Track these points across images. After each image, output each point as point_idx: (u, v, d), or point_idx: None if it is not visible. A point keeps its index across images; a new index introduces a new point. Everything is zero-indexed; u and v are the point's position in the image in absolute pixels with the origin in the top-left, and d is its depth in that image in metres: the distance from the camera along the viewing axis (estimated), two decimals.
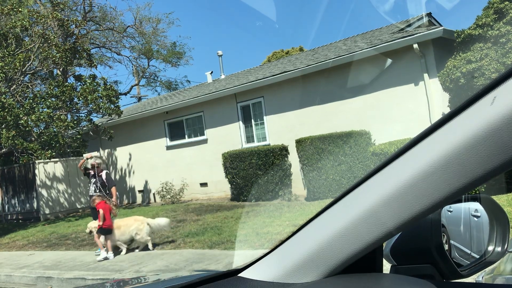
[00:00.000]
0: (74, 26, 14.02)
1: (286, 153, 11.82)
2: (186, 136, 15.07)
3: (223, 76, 18.78)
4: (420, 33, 9.55)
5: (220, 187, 14.01)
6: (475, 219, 1.18)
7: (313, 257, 0.90)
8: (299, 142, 10.62)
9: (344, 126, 10.73)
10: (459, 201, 1.16)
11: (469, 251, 1.19)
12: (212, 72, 18.96)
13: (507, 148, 0.62)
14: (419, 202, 0.74)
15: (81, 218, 14.04)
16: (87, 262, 7.76)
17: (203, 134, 14.55)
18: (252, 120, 13.24)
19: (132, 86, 32.95)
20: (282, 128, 12.44)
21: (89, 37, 24.29)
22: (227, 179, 12.57)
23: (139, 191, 16.87)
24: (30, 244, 10.92)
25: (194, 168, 14.75)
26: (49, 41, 13.55)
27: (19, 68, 13.28)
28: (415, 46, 9.50)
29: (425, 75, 9.72)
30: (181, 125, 15.18)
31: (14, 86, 13.44)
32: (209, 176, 14.37)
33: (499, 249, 1.13)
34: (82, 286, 6.66)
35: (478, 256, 1.15)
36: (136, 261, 7.28)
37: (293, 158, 11.69)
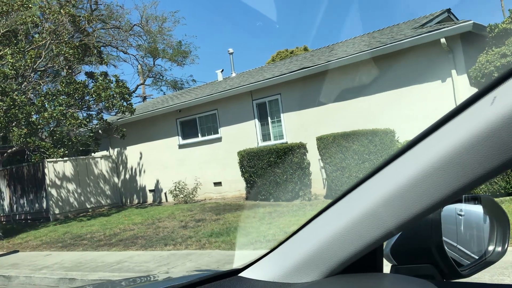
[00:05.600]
0: (85, 22, 13.76)
1: (304, 151, 11.57)
2: (199, 134, 14.80)
3: (234, 74, 18.53)
4: (448, 27, 9.27)
5: (234, 186, 13.74)
6: (460, 217, 1.18)
7: (314, 257, 0.90)
8: (320, 140, 10.35)
9: (364, 123, 10.44)
10: (460, 201, 1.16)
11: (455, 244, 1.18)
12: (222, 70, 18.73)
13: (507, 148, 0.62)
14: (419, 202, 0.74)
15: (93, 218, 13.78)
16: (110, 263, 7.50)
17: (217, 133, 14.28)
18: (269, 117, 12.97)
19: (138, 86, 32.70)
20: (300, 126, 12.16)
21: (95, 35, 24.04)
22: (243, 178, 12.30)
23: (150, 191, 16.60)
24: (44, 244, 10.66)
25: (207, 167, 14.48)
26: (61, 38, 13.29)
27: (30, 65, 13.01)
28: (443, 40, 9.22)
29: (453, 71, 9.44)
30: (194, 124, 14.92)
31: (25, 83, 13.17)
32: (223, 175, 14.10)
33: (499, 249, 1.13)
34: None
35: (477, 257, 1.15)
36: (162, 261, 7.01)
37: (311, 156, 11.44)
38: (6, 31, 13.78)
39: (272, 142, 12.75)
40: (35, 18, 13.67)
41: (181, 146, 15.32)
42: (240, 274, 1.06)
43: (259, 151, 11.57)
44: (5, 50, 13.03)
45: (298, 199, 11.14)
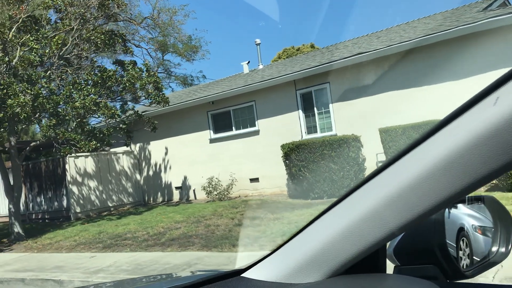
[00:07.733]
0: (115, 6, 12.83)
1: (358, 144, 10.76)
2: (233, 127, 13.92)
3: (261, 66, 17.67)
4: None
5: (273, 183, 12.89)
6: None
7: (316, 257, 0.89)
8: (385, 132, 9.52)
9: (429, 113, 9.65)
10: (463, 201, 1.14)
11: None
12: (249, 62, 17.90)
13: (510, 148, 0.61)
14: (422, 203, 0.73)
15: (123, 216, 12.85)
16: (178, 265, 6.62)
17: (254, 125, 13.41)
18: (315, 108, 12.12)
19: None
20: (351, 117, 11.31)
21: (107, 28, 23.06)
22: (288, 172, 11.42)
23: (177, 188, 15.67)
24: (80, 245, 9.73)
25: (242, 162, 13.60)
26: (88, 23, 12.35)
27: (55, 52, 12.05)
28: None
29: None
30: (228, 116, 14.02)
31: (50, 71, 12.20)
32: (260, 170, 13.23)
33: (503, 249, 1.11)
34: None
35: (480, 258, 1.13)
36: (236, 263, 6.14)
37: (367, 149, 10.65)
38: (27, 16, 12.83)
39: (318, 134, 11.90)
40: (59, 2, 12.71)
41: (212, 141, 14.42)
42: (242, 275, 1.05)
43: (310, 143, 10.70)
44: (27, 37, 12.08)
45: None
